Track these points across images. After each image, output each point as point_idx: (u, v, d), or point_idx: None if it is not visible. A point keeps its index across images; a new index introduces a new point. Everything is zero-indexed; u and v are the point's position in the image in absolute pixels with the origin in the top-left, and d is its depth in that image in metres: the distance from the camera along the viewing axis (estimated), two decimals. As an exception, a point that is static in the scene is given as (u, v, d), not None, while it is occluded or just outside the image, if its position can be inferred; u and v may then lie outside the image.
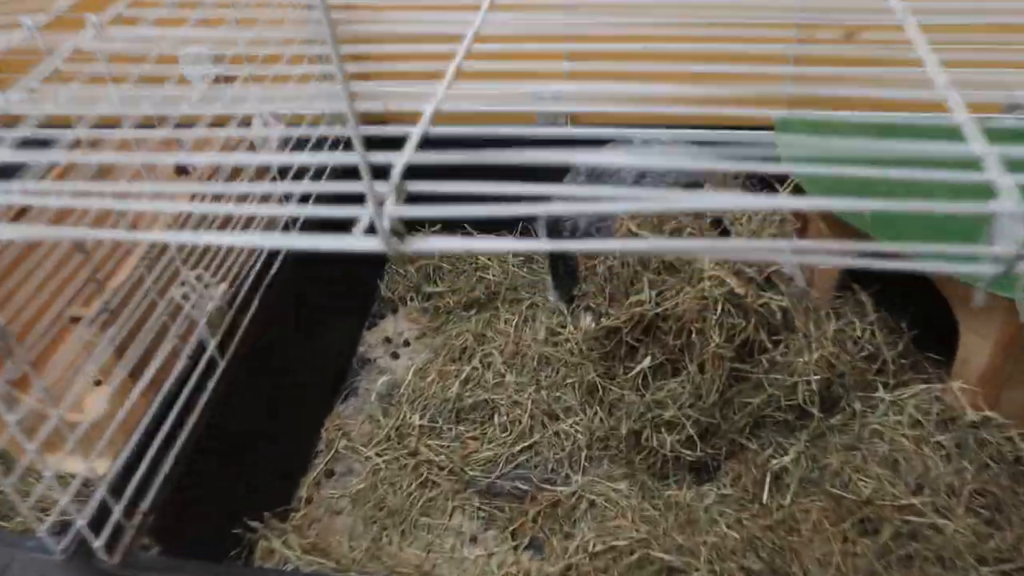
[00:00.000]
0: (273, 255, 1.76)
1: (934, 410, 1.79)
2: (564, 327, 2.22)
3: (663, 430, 1.80)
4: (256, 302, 1.62)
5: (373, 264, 2.59)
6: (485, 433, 2.03)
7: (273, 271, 1.74)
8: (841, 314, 1.97)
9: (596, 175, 2.22)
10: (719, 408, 1.77)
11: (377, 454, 2.01)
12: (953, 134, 0.81)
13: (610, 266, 1.97)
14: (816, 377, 1.75)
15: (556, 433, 2.00)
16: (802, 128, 2.23)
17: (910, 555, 1.49)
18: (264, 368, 1.78)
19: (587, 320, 2.02)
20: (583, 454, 1.95)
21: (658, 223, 1.92)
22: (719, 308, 1.73)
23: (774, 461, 1.74)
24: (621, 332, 1.87)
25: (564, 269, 2.28)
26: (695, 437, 1.77)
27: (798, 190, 2.03)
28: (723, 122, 0.91)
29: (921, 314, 1.94)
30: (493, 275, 2.46)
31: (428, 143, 0.83)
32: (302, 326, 2.11)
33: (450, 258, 2.56)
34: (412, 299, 2.50)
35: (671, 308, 1.76)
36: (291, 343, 2.03)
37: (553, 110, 2.54)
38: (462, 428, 2.04)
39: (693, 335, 1.75)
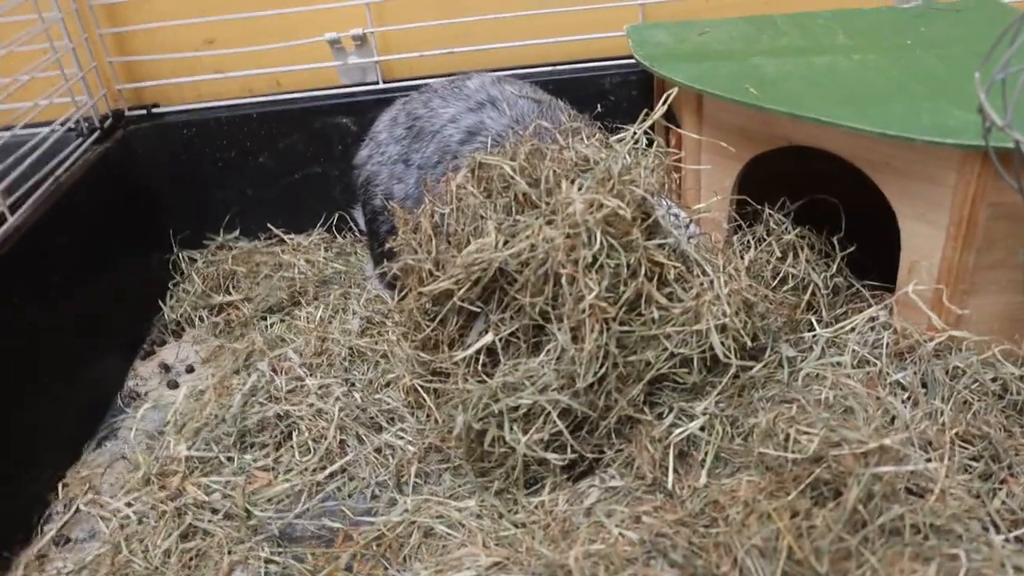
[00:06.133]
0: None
1: (885, 341, 1.30)
2: (387, 315, 1.66)
3: (517, 425, 1.23)
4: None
5: (153, 285, 1.99)
6: (279, 460, 1.43)
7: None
8: (750, 245, 1.48)
9: (416, 130, 1.71)
10: (603, 392, 1.21)
11: (127, 504, 1.39)
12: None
13: (440, 216, 1.43)
14: (728, 319, 1.22)
15: (377, 448, 1.42)
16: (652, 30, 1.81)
17: (896, 527, 0.97)
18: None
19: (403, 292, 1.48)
20: (413, 469, 1.37)
21: (512, 151, 1.40)
22: (596, 242, 1.20)
23: (677, 432, 1.21)
24: (453, 298, 1.32)
25: (378, 245, 1.74)
26: (565, 432, 1.20)
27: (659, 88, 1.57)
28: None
29: (854, 232, 1.47)
30: (299, 273, 1.90)
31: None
32: (38, 369, 1.52)
33: (247, 261, 1.99)
34: (201, 318, 1.90)
35: (527, 251, 1.22)
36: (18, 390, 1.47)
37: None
38: (248, 457, 1.44)
39: (563, 285, 1.20)
